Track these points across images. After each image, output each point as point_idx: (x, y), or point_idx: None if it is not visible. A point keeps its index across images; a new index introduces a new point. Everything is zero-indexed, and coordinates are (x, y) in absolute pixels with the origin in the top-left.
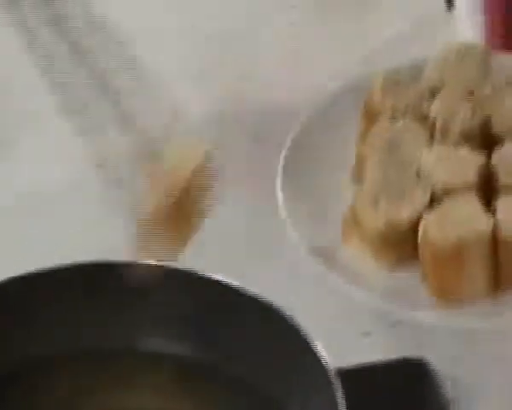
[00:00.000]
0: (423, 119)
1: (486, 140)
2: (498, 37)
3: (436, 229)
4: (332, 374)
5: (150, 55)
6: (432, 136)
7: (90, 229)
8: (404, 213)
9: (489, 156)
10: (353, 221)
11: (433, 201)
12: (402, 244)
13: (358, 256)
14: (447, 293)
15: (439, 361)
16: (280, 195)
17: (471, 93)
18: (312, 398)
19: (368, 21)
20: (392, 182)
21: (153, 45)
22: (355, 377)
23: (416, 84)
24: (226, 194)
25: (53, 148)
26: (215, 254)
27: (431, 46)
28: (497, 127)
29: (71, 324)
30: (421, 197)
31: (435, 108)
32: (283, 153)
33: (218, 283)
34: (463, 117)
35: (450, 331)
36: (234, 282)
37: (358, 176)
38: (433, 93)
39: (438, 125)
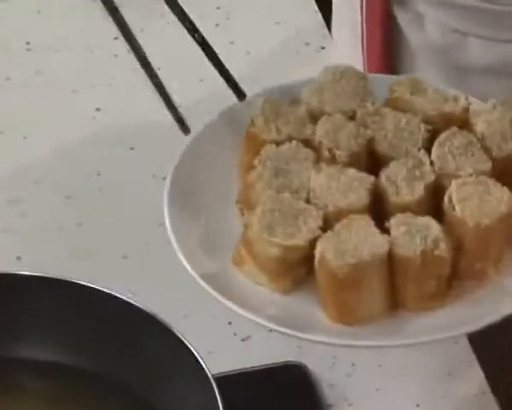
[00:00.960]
0: (307, 143)
1: (372, 160)
2: (375, 58)
3: (332, 253)
4: (210, 380)
5: None
6: (318, 159)
7: None
8: (298, 239)
9: (376, 176)
10: (246, 247)
11: (327, 224)
12: (296, 269)
13: (251, 282)
14: (344, 314)
15: (317, 366)
16: (168, 225)
17: (353, 115)
18: (191, 404)
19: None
20: (283, 207)
21: None
22: (234, 383)
23: (295, 108)
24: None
25: None
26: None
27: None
28: (381, 147)
29: None
30: (314, 221)
31: (319, 131)
32: (167, 183)
33: (96, 291)
34: (348, 138)
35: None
36: (106, 289)
37: (247, 202)
38: (314, 117)
39: (323, 147)
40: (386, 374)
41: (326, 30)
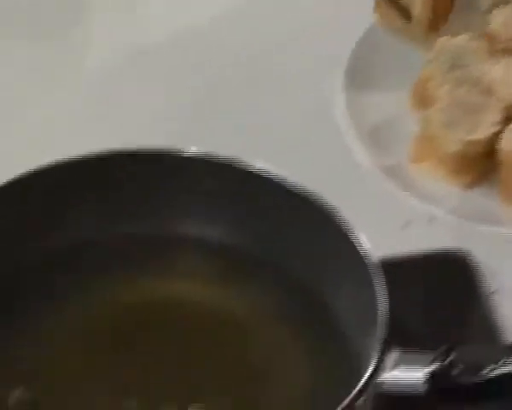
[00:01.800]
0: (485, 34)
1: None
2: None
3: None
4: (375, 264)
5: None
6: (495, 50)
7: None
8: (481, 132)
9: None
10: (425, 144)
11: (508, 116)
12: (478, 163)
13: (429, 176)
14: None
15: (480, 254)
16: (345, 110)
17: None
18: (355, 288)
19: None
20: (462, 102)
21: None
22: (395, 268)
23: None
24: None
25: None
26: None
27: None
28: None
29: (103, 212)
30: (495, 115)
31: (495, 21)
32: (345, 69)
33: (256, 172)
34: None
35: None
36: (274, 171)
37: (423, 97)
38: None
39: (500, 37)
40: None
41: None
